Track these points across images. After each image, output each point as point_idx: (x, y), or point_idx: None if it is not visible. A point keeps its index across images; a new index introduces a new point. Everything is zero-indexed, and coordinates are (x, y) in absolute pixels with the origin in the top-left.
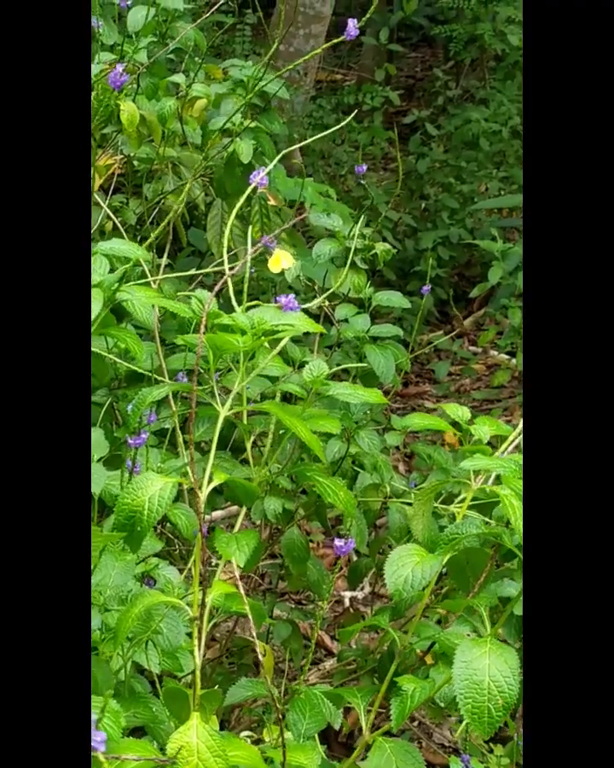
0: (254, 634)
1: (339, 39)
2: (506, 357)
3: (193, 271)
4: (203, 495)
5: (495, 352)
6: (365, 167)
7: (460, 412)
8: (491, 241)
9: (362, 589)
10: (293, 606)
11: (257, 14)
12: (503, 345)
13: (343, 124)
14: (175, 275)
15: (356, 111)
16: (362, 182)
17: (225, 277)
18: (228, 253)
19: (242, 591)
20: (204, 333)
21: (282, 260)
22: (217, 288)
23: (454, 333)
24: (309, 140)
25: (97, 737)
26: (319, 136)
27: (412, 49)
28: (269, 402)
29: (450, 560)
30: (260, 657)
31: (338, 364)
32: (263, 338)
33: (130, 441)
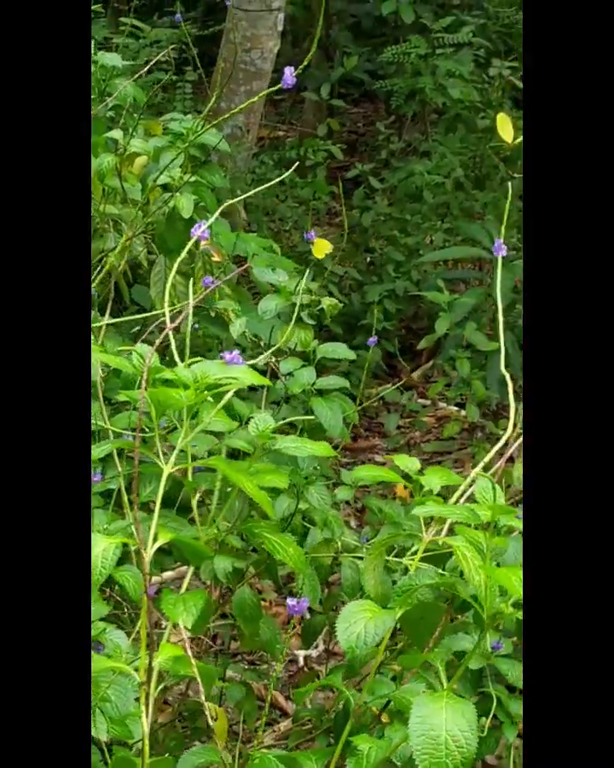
0: (203, 698)
1: (276, 87)
2: (456, 408)
3: (135, 318)
4: (148, 555)
5: (444, 404)
6: (314, 234)
7: (410, 463)
8: (437, 292)
9: (317, 647)
10: (247, 666)
11: (197, 71)
12: (452, 396)
13: (284, 176)
14: (120, 320)
15: (298, 163)
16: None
17: (166, 330)
18: (170, 309)
19: (190, 654)
20: (146, 388)
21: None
22: (157, 342)
23: (401, 383)
24: (252, 192)
25: None
26: (261, 188)
27: (354, 105)
28: (215, 458)
29: (404, 615)
30: (211, 721)
31: (284, 418)
32: (206, 392)
33: None
